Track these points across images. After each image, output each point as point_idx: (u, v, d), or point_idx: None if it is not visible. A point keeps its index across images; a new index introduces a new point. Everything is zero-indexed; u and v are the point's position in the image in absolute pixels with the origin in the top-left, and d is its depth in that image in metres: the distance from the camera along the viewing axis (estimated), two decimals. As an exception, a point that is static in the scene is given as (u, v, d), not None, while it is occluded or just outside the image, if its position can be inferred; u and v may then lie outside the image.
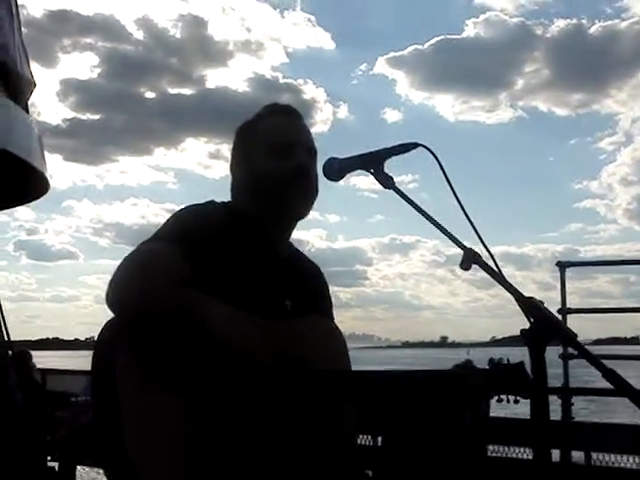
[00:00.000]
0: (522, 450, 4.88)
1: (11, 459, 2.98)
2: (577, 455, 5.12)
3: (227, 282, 2.03)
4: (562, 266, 6.85)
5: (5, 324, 2.40)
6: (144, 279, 1.91)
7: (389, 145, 2.03)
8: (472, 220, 1.88)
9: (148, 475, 1.90)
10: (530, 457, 1.79)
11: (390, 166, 2.00)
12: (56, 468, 6.65)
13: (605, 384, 1.67)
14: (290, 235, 2.35)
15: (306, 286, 2.33)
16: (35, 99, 2.47)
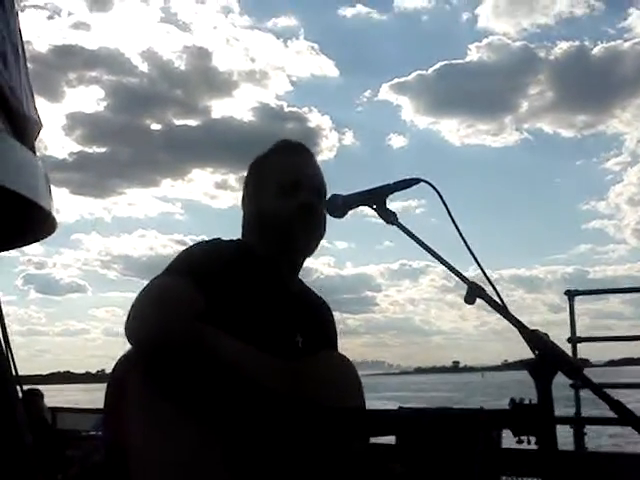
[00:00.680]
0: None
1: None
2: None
3: (238, 317, 2.04)
4: (571, 294, 6.83)
5: (13, 358, 2.40)
6: (160, 313, 1.91)
7: (392, 181, 2.04)
8: (475, 255, 1.89)
9: None
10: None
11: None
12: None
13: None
14: (299, 271, 2.36)
15: (316, 321, 2.34)
16: (41, 134, 2.49)
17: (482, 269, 1.89)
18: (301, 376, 2.07)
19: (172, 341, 1.91)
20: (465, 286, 1.85)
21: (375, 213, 2.02)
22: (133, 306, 1.94)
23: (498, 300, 1.81)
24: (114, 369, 2.06)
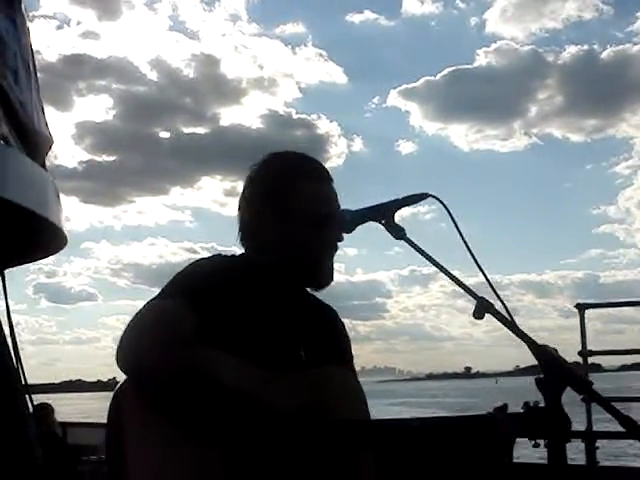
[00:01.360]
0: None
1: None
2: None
3: (237, 334, 2.03)
4: (581, 308, 6.80)
5: (23, 369, 2.40)
6: (154, 339, 1.91)
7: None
8: (484, 270, 1.89)
9: None
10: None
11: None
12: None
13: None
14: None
15: (322, 333, 2.31)
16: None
17: (491, 285, 1.89)
18: (301, 390, 2.04)
19: (162, 368, 1.90)
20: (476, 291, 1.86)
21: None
22: (124, 333, 1.94)
23: (507, 315, 1.82)
24: (116, 390, 2.07)
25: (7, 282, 2.43)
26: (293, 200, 2.27)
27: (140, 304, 2.03)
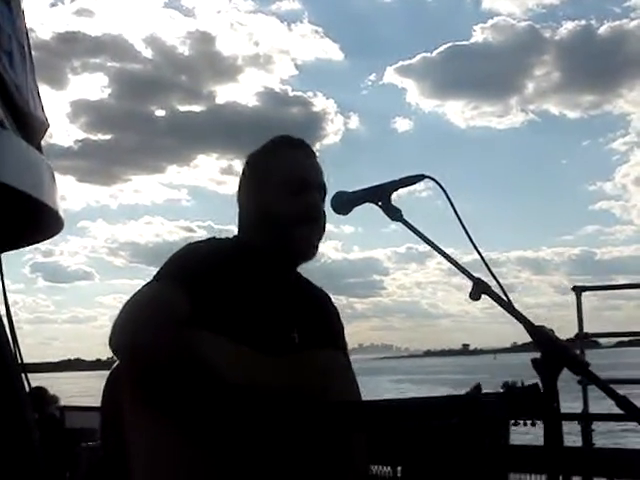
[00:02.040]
0: (540, 478, 4.83)
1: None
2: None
3: (231, 317, 2.03)
4: (578, 290, 6.80)
5: (18, 347, 2.40)
6: (147, 321, 1.91)
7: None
8: (479, 249, 1.90)
9: None
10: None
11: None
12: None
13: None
14: (297, 267, 2.33)
15: (314, 316, 2.31)
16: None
17: (487, 266, 1.89)
18: (294, 373, 2.05)
19: (153, 348, 1.89)
20: (472, 269, 1.86)
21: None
22: (119, 316, 1.94)
23: (503, 295, 1.82)
24: (110, 372, 2.07)
25: (3, 261, 2.43)
26: (270, 170, 2.26)
27: (137, 283, 2.03)
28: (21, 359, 2.42)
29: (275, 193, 2.22)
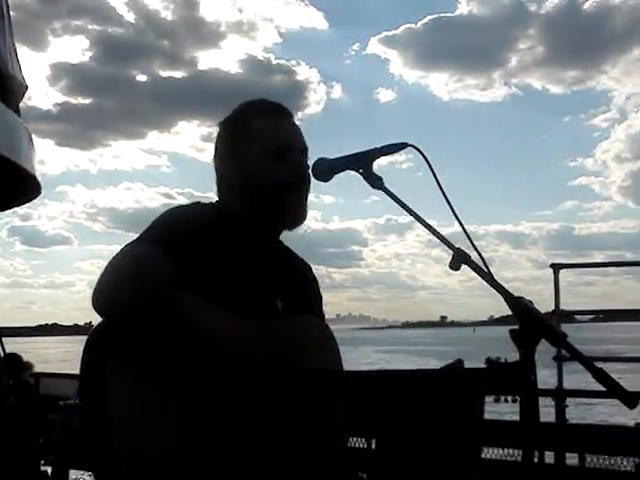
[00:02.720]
0: (516, 452, 4.86)
1: (3, 464, 2.97)
2: (571, 457, 5.11)
3: (215, 282, 2.02)
4: (556, 268, 6.83)
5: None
6: (130, 281, 1.89)
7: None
8: (462, 222, 1.89)
9: None
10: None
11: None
12: (49, 472, 6.64)
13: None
14: (280, 234, 2.33)
15: (297, 284, 2.31)
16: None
17: (468, 235, 1.88)
18: (277, 337, 2.06)
19: (142, 310, 1.89)
20: (451, 241, 1.86)
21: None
22: (101, 276, 1.92)
23: (483, 266, 1.81)
24: (89, 336, 2.06)
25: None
26: (249, 136, 2.23)
27: (116, 249, 2.01)
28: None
29: (257, 159, 2.20)
